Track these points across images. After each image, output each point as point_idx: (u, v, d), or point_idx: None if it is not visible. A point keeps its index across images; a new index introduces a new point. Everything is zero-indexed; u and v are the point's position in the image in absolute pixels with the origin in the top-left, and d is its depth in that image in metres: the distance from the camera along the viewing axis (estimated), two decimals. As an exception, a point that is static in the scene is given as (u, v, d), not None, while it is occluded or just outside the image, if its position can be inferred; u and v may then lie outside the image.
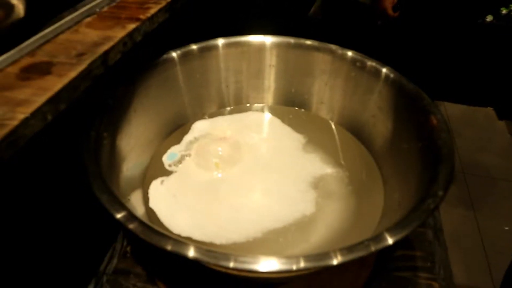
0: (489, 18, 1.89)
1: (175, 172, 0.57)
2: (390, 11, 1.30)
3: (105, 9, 0.48)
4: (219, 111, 0.68)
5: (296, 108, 0.68)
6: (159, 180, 0.55)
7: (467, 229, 1.48)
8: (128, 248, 0.55)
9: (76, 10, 0.45)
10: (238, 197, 0.53)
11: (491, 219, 1.51)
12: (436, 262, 0.53)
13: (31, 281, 0.48)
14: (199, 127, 0.64)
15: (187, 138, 0.62)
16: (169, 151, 0.60)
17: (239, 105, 0.69)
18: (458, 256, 1.36)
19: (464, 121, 2.02)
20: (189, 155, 0.59)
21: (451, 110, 2.07)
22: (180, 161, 0.58)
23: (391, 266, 0.52)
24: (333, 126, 0.65)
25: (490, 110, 2.10)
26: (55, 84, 0.34)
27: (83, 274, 0.52)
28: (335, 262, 0.31)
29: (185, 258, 0.41)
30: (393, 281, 0.50)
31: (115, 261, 0.53)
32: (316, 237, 0.48)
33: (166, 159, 0.59)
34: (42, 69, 0.36)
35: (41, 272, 0.49)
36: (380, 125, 0.58)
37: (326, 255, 0.31)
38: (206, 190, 0.54)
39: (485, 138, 1.93)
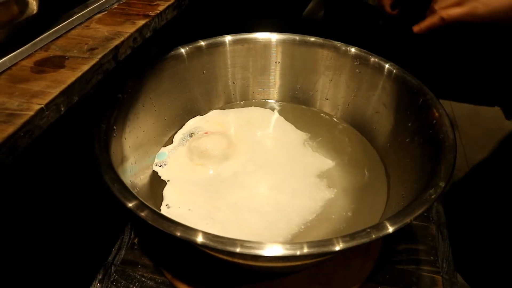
0: (496, 16, 1.88)
1: (168, 181, 0.55)
2: (388, 8, 1.28)
3: (115, 5, 0.49)
4: (225, 106, 0.69)
5: (301, 105, 0.69)
6: (164, 207, 0.51)
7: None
8: (136, 240, 0.56)
9: (87, 6, 0.47)
10: (252, 198, 0.52)
11: (497, 219, 1.50)
12: (439, 256, 0.54)
13: (43, 271, 0.49)
14: (191, 123, 0.64)
15: (178, 136, 0.62)
16: (160, 151, 0.59)
17: (245, 100, 0.69)
18: (463, 255, 1.35)
19: (470, 120, 2.00)
20: (176, 150, 0.59)
21: (458, 110, 2.05)
22: (166, 160, 0.58)
23: (394, 259, 0.53)
24: (338, 122, 0.66)
25: (497, 110, 2.08)
26: (68, 77, 0.35)
27: (92, 265, 0.53)
28: (337, 248, 0.32)
29: (193, 247, 0.42)
30: (396, 273, 0.51)
31: (123, 252, 0.54)
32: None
33: (156, 158, 0.58)
34: (56, 63, 0.37)
35: (53, 262, 0.51)
36: (384, 120, 0.59)
37: (329, 241, 0.32)
38: (214, 192, 0.52)
39: (492, 138, 1.91)
